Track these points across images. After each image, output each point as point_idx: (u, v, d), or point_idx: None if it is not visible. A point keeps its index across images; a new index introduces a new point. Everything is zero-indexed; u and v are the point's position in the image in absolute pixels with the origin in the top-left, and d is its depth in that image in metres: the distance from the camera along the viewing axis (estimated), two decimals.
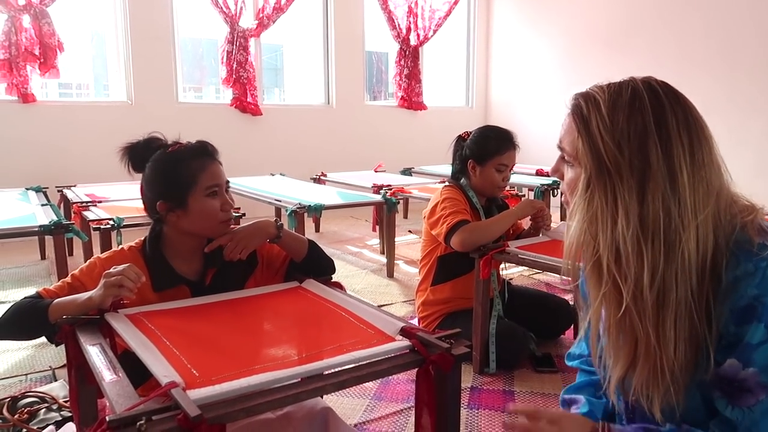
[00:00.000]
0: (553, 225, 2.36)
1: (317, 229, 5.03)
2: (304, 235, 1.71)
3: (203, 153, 1.42)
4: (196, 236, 1.44)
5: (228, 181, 1.46)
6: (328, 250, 1.62)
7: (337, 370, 1.02)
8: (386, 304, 3.07)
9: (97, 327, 1.22)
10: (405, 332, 1.14)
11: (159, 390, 0.89)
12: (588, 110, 0.87)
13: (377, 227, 4.28)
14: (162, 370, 0.97)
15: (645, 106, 0.84)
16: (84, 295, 1.23)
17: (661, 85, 0.87)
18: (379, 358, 1.06)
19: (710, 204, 0.83)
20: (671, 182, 0.82)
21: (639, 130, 0.83)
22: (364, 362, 1.04)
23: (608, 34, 5.90)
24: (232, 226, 1.49)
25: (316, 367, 1.01)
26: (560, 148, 0.95)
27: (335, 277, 1.59)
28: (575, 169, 0.91)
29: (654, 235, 0.82)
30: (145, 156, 1.43)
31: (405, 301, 3.12)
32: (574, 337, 2.52)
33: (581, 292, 0.98)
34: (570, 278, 0.96)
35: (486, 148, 2.29)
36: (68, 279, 1.36)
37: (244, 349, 1.12)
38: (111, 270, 1.22)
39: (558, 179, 0.99)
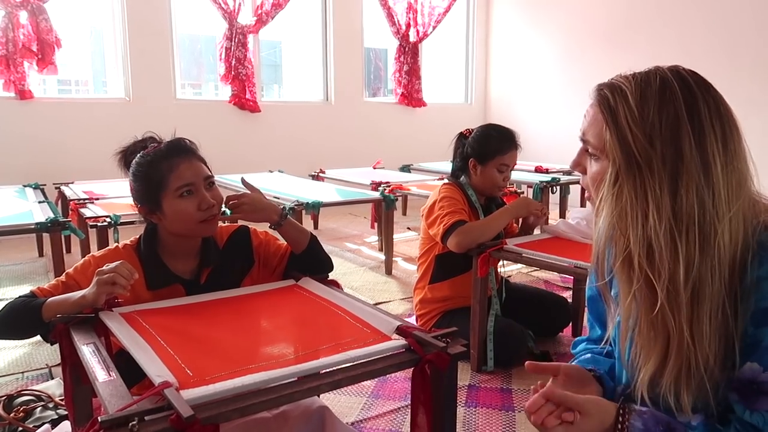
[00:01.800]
0: (551, 222, 2.36)
1: (316, 226, 5.02)
2: None
3: (174, 153, 1.38)
4: (183, 237, 1.42)
5: (209, 176, 1.41)
6: (327, 247, 1.61)
7: (332, 369, 1.01)
8: (384, 302, 3.07)
9: (92, 326, 1.21)
10: (401, 331, 1.13)
11: (152, 390, 0.88)
12: (615, 101, 0.84)
13: (376, 224, 4.27)
14: (155, 369, 0.96)
15: (676, 96, 0.81)
16: (77, 294, 1.22)
17: (690, 74, 0.84)
18: (375, 357, 1.06)
19: (742, 195, 0.82)
20: (705, 173, 0.79)
21: (671, 121, 0.80)
22: (360, 361, 1.04)
23: (608, 30, 5.88)
24: (228, 220, 1.48)
25: (311, 366, 1.00)
26: (584, 140, 0.91)
27: (332, 275, 1.58)
28: (601, 163, 0.88)
29: (688, 229, 0.79)
30: None
31: (403, 299, 3.11)
32: (573, 335, 2.52)
33: (609, 289, 0.95)
34: (598, 276, 0.93)
35: (488, 148, 2.27)
36: (62, 278, 1.36)
37: (239, 348, 1.11)
38: (104, 268, 1.21)
39: (579, 173, 0.96)
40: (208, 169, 1.44)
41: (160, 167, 1.37)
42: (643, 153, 0.81)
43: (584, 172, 0.94)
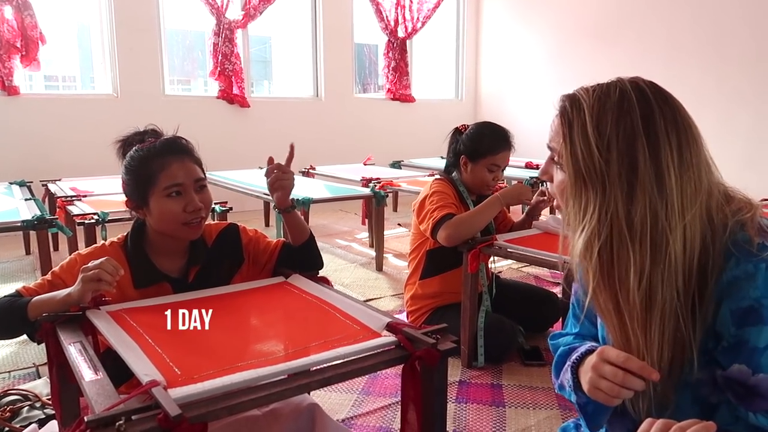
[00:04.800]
0: (542, 218, 2.36)
1: (306, 223, 5.00)
2: None
3: (168, 151, 1.37)
4: (169, 236, 1.41)
5: (201, 179, 1.40)
6: (318, 244, 1.62)
7: (321, 366, 1.01)
8: (375, 298, 3.06)
9: (78, 324, 1.19)
10: (391, 328, 1.13)
11: (139, 389, 0.87)
12: (573, 114, 0.86)
13: (366, 221, 4.27)
14: (143, 368, 0.96)
15: (633, 108, 0.83)
16: (63, 292, 1.21)
17: (648, 85, 0.86)
18: (365, 354, 1.05)
19: (697, 204, 0.83)
20: (659, 185, 0.81)
21: (627, 133, 0.82)
22: (350, 358, 1.03)
23: (598, 27, 5.90)
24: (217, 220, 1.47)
25: (300, 364, 0.99)
26: (550, 148, 0.93)
27: (323, 272, 1.58)
28: (564, 172, 0.90)
29: (641, 238, 0.82)
30: None
31: (394, 295, 3.11)
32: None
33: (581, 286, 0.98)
34: (571, 276, 0.96)
35: (480, 146, 2.25)
36: (48, 276, 1.34)
37: (228, 346, 1.11)
38: (88, 264, 1.19)
39: (547, 181, 0.97)
40: (202, 171, 1.43)
41: (152, 164, 1.35)
42: (598, 165, 0.83)
43: (551, 180, 0.96)
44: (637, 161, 0.81)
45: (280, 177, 1.54)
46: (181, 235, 1.40)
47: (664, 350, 0.84)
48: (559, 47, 6.30)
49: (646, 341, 0.84)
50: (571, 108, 0.87)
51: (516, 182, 2.31)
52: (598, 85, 0.88)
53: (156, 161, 1.36)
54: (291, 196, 1.56)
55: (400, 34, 6.61)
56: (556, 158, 0.92)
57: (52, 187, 3.77)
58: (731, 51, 4.89)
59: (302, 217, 1.60)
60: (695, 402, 0.89)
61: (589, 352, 0.93)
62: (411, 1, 6.60)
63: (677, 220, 0.81)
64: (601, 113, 0.84)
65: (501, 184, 3.92)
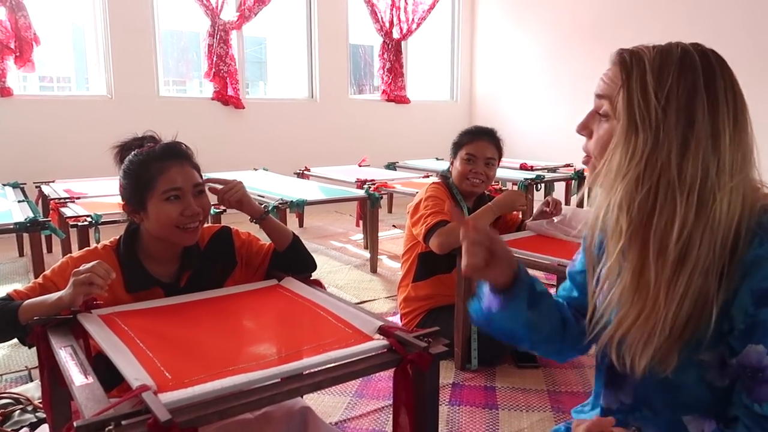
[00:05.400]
0: (531, 223, 2.35)
1: (301, 224, 5.01)
2: None
3: (168, 155, 1.38)
4: (164, 241, 1.41)
5: (199, 184, 1.41)
6: (312, 245, 1.62)
7: (313, 370, 1.01)
8: (369, 300, 3.06)
9: (69, 328, 1.19)
10: (383, 331, 1.13)
11: (129, 394, 0.87)
12: (633, 63, 0.87)
13: (361, 222, 4.27)
14: (133, 372, 0.95)
15: (696, 65, 0.84)
16: (54, 295, 1.20)
17: (710, 50, 0.88)
18: (356, 358, 1.05)
19: (744, 172, 0.84)
20: (714, 142, 0.82)
21: (688, 88, 0.83)
22: (341, 362, 1.03)
23: (593, 28, 5.92)
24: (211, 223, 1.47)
25: (291, 368, 0.99)
26: (599, 96, 0.92)
27: (317, 274, 1.58)
28: (611, 122, 0.89)
29: (690, 191, 0.82)
30: None
31: (388, 297, 3.11)
32: None
33: (598, 262, 0.98)
34: (589, 242, 0.97)
35: (458, 140, 2.36)
36: (40, 279, 1.34)
37: (220, 350, 1.10)
38: (80, 268, 1.19)
39: (585, 136, 0.95)
40: (200, 176, 1.43)
41: (151, 168, 1.36)
42: (653, 114, 0.83)
43: (590, 136, 0.95)
44: (695, 116, 0.82)
45: (225, 191, 1.53)
46: (177, 240, 1.40)
47: (683, 307, 0.84)
48: (554, 49, 6.32)
49: (668, 296, 0.84)
50: (631, 58, 0.87)
51: (508, 190, 2.32)
52: (657, 44, 0.89)
53: (155, 165, 1.36)
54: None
55: (395, 35, 6.61)
56: (603, 109, 0.91)
57: (45, 188, 3.75)
58: (727, 51, 4.77)
59: (280, 222, 1.60)
60: (700, 382, 0.89)
61: None
62: (406, 3, 6.61)
63: (726, 180, 0.82)
64: (663, 66, 0.85)
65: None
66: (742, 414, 0.84)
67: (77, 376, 0.98)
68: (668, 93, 0.83)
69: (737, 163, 0.83)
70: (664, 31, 5.53)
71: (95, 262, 1.21)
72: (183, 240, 1.40)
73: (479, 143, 2.30)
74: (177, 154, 1.40)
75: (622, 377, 0.98)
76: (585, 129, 0.96)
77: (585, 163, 0.98)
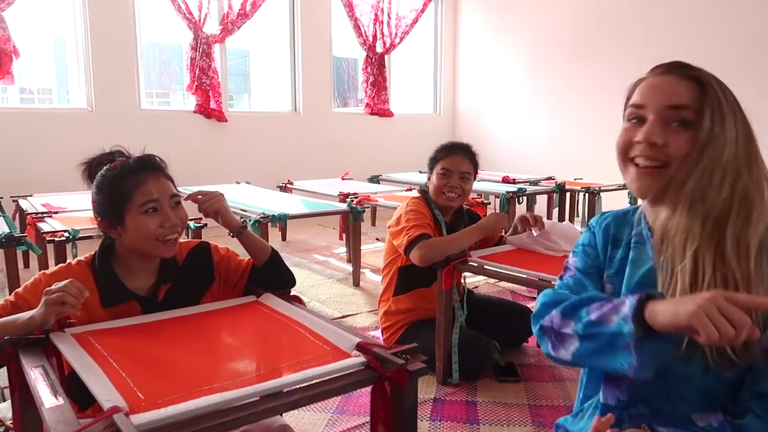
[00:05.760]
0: (511, 237, 2.35)
1: (284, 238, 4.98)
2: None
3: (143, 168, 1.37)
4: (142, 254, 1.40)
5: (175, 195, 1.40)
6: (295, 259, 1.62)
7: (290, 389, 1.00)
8: (351, 314, 3.05)
9: (41, 348, 1.17)
10: (361, 348, 1.12)
11: (100, 416, 0.86)
12: (699, 72, 1.00)
13: (344, 235, 4.26)
14: (105, 393, 0.94)
15: (726, 88, 1.00)
16: (26, 315, 1.18)
17: None
18: (334, 376, 1.04)
19: None
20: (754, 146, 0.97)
21: (737, 104, 0.98)
22: (318, 380, 1.02)
23: (573, 42, 6.00)
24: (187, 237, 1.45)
25: (268, 386, 0.98)
26: (673, 107, 0.96)
27: (300, 287, 1.57)
28: (690, 129, 0.94)
29: (760, 191, 0.94)
30: None
31: (371, 311, 3.10)
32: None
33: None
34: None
35: (434, 155, 2.38)
36: (11, 297, 1.31)
37: (195, 368, 1.09)
38: (52, 287, 1.17)
39: (651, 144, 0.97)
40: (175, 188, 1.42)
41: (127, 181, 1.35)
42: (732, 124, 0.94)
43: (662, 146, 0.96)
44: (750, 128, 0.97)
45: (204, 200, 1.54)
46: (156, 253, 1.38)
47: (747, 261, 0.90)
48: (535, 63, 6.40)
49: (750, 288, 0.88)
50: (701, 75, 0.99)
51: (492, 213, 2.34)
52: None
53: (131, 178, 1.35)
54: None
55: (379, 49, 6.65)
56: (681, 116, 0.95)
57: (23, 203, 3.69)
58: (704, 65, 5.00)
59: (258, 237, 1.59)
60: (706, 372, 0.91)
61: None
62: (389, 17, 6.66)
63: None
64: (724, 86, 0.99)
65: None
66: (754, 404, 0.87)
67: (47, 398, 0.96)
68: (734, 107, 0.96)
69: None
70: (642, 46, 5.64)
71: (68, 280, 1.19)
72: (163, 252, 1.38)
73: (454, 158, 2.31)
74: (152, 166, 1.39)
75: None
76: (661, 139, 0.96)
77: (651, 167, 0.98)
